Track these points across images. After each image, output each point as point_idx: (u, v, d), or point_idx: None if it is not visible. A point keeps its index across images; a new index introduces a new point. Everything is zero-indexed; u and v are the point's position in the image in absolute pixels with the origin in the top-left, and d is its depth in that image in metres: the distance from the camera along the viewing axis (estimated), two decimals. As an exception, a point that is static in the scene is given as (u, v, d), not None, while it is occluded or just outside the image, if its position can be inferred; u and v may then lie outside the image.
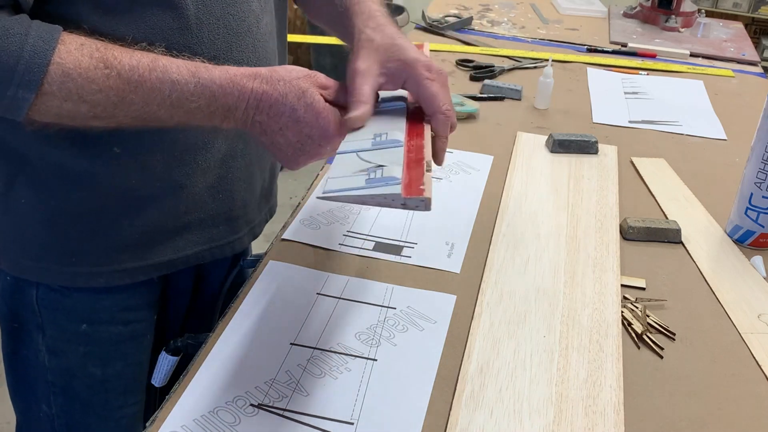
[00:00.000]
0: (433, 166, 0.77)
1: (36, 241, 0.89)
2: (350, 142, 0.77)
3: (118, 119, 0.75)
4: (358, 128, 0.79)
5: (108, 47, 0.73)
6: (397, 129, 0.78)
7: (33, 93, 0.70)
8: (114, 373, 0.98)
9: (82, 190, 0.86)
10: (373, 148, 0.75)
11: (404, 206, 0.65)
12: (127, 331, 0.97)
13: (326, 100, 0.78)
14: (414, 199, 0.63)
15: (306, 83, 0.77)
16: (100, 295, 0.93)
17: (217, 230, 0.98)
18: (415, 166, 0.70)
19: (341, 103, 0.80)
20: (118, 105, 0.74)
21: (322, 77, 0.80)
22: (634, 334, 0.87)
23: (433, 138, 0.82)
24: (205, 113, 0.77)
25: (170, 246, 0.94)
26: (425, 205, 0.64)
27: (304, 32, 3.59)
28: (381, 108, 0.85)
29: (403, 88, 0.84)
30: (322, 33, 1.28)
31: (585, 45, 1.85)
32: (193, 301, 1.07)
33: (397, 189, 0.64)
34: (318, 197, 0.69)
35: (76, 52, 0.71)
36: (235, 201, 0.98)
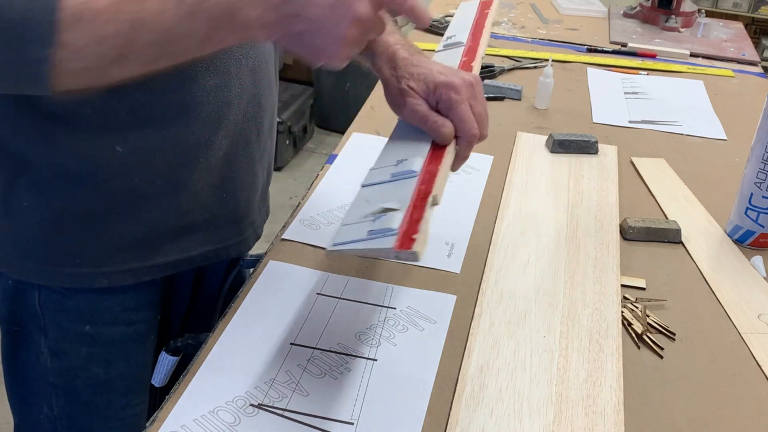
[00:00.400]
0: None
1: (38, 244, 0.89)
2: (375, 170, 0.79)
3: (141, 53, 0.68)
4: None
5: None
6: (418, 154, 0.79)
7: (50, 47, 0.64)
8: (117, 374, 0.98)
9: (84, 191, 0.86)
10: (390, 180, 0.77)
11: (397, 259, 0.68)
12: (131, 331, 0.97)
13: None
14: (404, 252, 0.65)
15: None
16: (103, 296, 0.93)
17: (222, 231, 0.98)
18: (419, 205, 0.71)
19: None
20: (132, 32, 0.66)
21: None
22: (634, 334, 0.87)
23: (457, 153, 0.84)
24: (226, 20, 0.68)
25: (175, 246, 0.93)
26: (414, 257, 0.65)
27: (304, 32, 3.59)
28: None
29: (436, 109, 0.84)
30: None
31: (585, 45, 1.85)
32: (192, 301, 1.07)
33: (390, 243, 0.66)
34: (328, 250, 0.70)
35: None
36: (240, 201, 0.98)
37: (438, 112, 0.83)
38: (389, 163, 0.79)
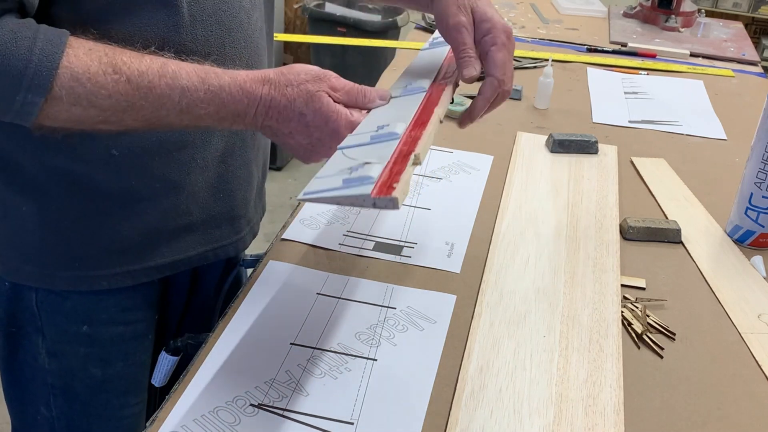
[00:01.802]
0: (437, 164, 0.77)
1: (36, 247, 0.89)
2: (353, 135, 0.77)
3: (127, 123, 0.75)
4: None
5: (116, 51, 0.73)
6: (401, 120, 0.77)
7: (42, 97, 0.70)
8: (115, 374, 0.98)
9: (81, 194, 0.86)
10: (370, 143, 0.74)
11: (374, 206, 0.64)
12: (129, 331, 0.97)
13: (337, 101, 0.78)
14: (383, 199, 0.63)
15: (315, 86, 0.77)
16: (101, 296, 0.93)
17: (219, 231, 0.98)
18: (400, 161, 0.68)
19: (354, 104, 0.80)
20: (127, 110, 0.73)
21: (333, 78, 0.79)
22: (634, 334, 0.87)
23: (474, 98, 0.85)
24: (215, 118, 0.77)
25: (173, 247, 0.93)
26: (393, 204, 0.63)
27: (304, 32, 3.60)
28: (402, 93, 0.85)
29: (475, 42, 0.85)
30: (321, 33, 1.28)
31: (585, 45, 1.85)
32: (189, 300, 1.07)
33: (368, 189, 0.63)
34: (298, 198, 0.69)
35: (84, 57, 0.71)
36: (236, 200, 0.98)
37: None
38: (369, 130, 0.77)
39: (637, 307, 0.91)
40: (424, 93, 0.84)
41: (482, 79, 0.86)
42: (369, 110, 0.81)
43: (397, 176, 0.65)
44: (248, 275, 0.95)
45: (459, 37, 0.84)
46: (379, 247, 0.99)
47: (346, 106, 0.79)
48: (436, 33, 0.97)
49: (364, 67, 3.30)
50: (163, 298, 1.02)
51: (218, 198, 0.95)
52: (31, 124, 0.72)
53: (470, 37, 0.84)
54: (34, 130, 0.74)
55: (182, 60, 0.77)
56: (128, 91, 0.72)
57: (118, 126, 0.75)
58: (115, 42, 0.74)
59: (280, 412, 0.73)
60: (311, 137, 0.78)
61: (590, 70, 1.70)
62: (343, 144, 0.76)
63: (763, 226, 1.05)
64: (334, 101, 0.78)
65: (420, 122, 0.76)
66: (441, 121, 0.80)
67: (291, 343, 0.82)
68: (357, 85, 0.81)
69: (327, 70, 0.80)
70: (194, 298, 1.08)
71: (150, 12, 0.78)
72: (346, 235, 1.01)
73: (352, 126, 0.77)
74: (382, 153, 0.70)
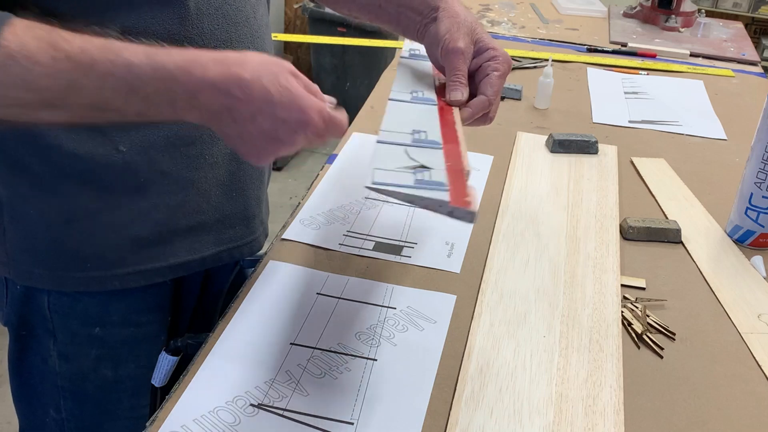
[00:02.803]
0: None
1: (47, 249, 0.88)
2: (390, 132, 0.77)
3: (72, 109, 0.69)
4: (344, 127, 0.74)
5: (57, 30, 0.67)
6: (433, 128, 0.79)
7: None
8: (126, 375, 0.98)
9: (89, 192, 0.85)
10: (414, 145, 0.74)
11: (450, 215, 0.65)
12: (140, 333, 0.97)
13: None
14: (461, 210, 0.64)
15: (278, 67, 0.71)
16: (113, 298, 0.93)
17: (233, 231, 0.97)
18: (458, 175, 0.69)
19: (313, 94, 0.75)
20: (68, 91, 0.67)
21: (292, 66, 0.74)
22: (634, 334, 0.87)
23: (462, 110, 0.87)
24: (165, 99, 0.68)
25: (186, 247, 0.93)
26: (471, 217, 0.64)
27: (304, 32, 3.60)
28: (412, 99, 0.87)
29: (469, 70, 0.88)
30: (321, 33, 1.28)
31: (585, 45, 1.85)
32: (200, 302, 1.07)
33: (446, 196, 0.64)
34: (366, 186, 0.66)
35: (22, 34, 0.65)
36: (250, 199, 0.98)
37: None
38: (404, 131, 0.77)
39: (637, 307, 0.91)
40: (436, 105, 0.86)
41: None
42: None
43: (465, 190, 0.66)
44: (249, 275, 0.95)
45: (455, 62, 0.86)
46: (379, 247, 0.99)
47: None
48: (412, 44, 0.98)
49: (364, 67, 3.30)
50: (175, 300, 1.02)
51: (231, 197, 0.95)
52: None
53: (465, 64, 0.87)
54: None
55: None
56: (68, 68, 0.66)
57: (62, 112, 0.69)
58: (120, 35, 0.70)
59: (280, 412, 0.73)
60: (275, 118, 0.69)
61: (590, 70, 1.70)
62: (382, 138, 0.75)
63: (763, 226, 1.05)
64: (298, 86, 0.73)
65: (449, 138, 0.78)
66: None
67: (291, 343, 0.82)
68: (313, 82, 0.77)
69: (282, 59, 0.75)
70: (205, 300, 1.07)
71: (156, 5, 0.78)
72: (346, 235, 1.01)
73: (320, 110, 0.70)
74: (434, 161, 0.71)
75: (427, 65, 0.96)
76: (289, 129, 0.70)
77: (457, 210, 0.63)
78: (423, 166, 0.69)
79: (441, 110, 0.86)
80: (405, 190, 0.66)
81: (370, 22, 1.02)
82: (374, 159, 0.71)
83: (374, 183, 0.67)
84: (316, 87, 0.75)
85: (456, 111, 0.86)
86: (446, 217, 0.66)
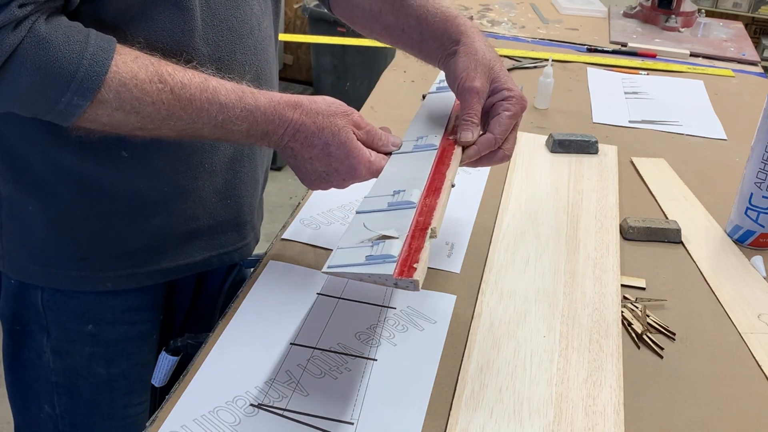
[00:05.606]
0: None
1: (42, 246, 0.89)
2: (371, 198, 0.81)
3: (162, 132, 0.78)
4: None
5: (161, 62, 0.75)
6: (416, 184, 0.80)
7: (89, 100, 0.71)
8: (119, 373, 0.98)
9: (89, 195, 0.86)
10: (388, 209, 0.78)
11: (396, 286, 0.68)
12: (133, 331, 0.97)
13: (358, 139, 0.83)
14: (404, 280, 0.66)
15: (343, 121, 0.82)
16: (106, 296, 0.93)
17: (225, 236, 0.98)
18: (418, 235, 0.72)
19: (371, 144, 0.85)
20: (166, 119, 0.76)
21: (357, 116, 0.84)
22: (634, 334, 0.87)
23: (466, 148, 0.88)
24: (245, 135, 0.81)
25: (178, 252, 0.94)
26: (414, 286, 0.66)
27: (304, 32, 3.60)
28: (414, 149, 0.88)
29: (484, 108, 0.89)
30: (321, 33, 1.28)
31: (585, 45, 1.85)
32: (194, 301, 1.07)
33: (390, 269, 0.67)
34: (323, 272, 0.71)
35: (132, 64, 0.73)
36: (243, 206, 0.99)
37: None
38: (386, 193, 0.81)
39: (637, 307, 0.91)
40: (436, 150, 0.87)
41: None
42: (384, 153, 0.86)
43: (416, 254, 0.68)
44: (249, 275, 0.95)
45: (469, 101, 0.88)
46: (379, 247, 0.99)
47: (364, 144, 0.84)
48: (442, 75, 0.98)
49: (364, 67, 3.30)
50: (169, 300, 1.02)
51: (225, 204, 0.95)
52: (72, 124, 0.74)
53: (480, 104, 0.88)
54: (70, 131, 0.76)
55: (222, 78, 0.80)
56: (170, 100, 0.75)
57: (153, 133, 0.78)
58: (131, 45, 0.76)
59: (280, 412, 0.73)
60: (329, 167, 0.82)
61: (590, 70, 1.70)
62: (361, 208, 0.80)
63: (763, 226, 1.05)
64: (357, 139, 0.82)
65: (433, 188, 0.80)
66: (453, 185, 0.83)
67: (291, 343, 0.82)
68: (376, 127, 0.86)
69: (351, 108, 0.84)
70: (199, 300, 1.08)
71: (165, 16, 0.79)
72: (346, 235, 1.01)
73: (368, 165, 0.83)
74: (401, 224, 0.74)
75: (450, 98, 0.97)
76: (340, 177, 0.84)
77: (402, 281, 0.66)
78: (382, 236, 0.72)
79: (443, 151, 0.87)
80: (354, 270, 0.70)
81: (392, 45, 1.04)
82: (342, 237, 0.75)
83: (329, 267, 0.71)
84: (379, 133, 0.85)
85: (456, 154, 0.87)
86: (393, 288, 0.70)
